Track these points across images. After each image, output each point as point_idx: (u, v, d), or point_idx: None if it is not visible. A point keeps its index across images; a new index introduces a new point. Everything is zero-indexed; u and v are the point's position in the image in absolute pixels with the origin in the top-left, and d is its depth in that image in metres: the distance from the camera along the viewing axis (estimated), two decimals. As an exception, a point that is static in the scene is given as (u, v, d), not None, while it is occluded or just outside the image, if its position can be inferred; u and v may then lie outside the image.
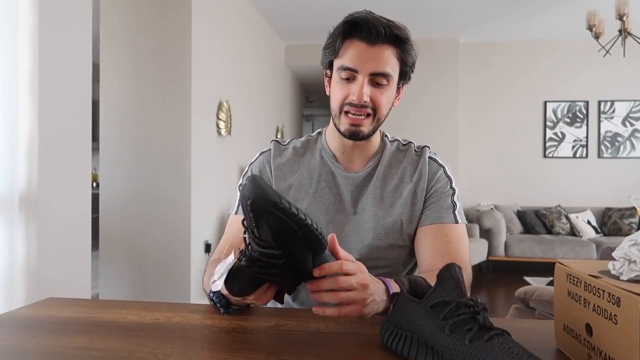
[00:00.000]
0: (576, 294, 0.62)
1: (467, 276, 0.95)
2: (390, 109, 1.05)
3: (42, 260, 1.77)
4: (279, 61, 5.68)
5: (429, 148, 1.11)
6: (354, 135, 1.01)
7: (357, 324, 0.79)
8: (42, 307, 0.89)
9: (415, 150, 1.11)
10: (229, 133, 3.83)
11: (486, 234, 5.02)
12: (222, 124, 3.70)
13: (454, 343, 0.56)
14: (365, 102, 0.96)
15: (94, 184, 5.26)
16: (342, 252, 0.74)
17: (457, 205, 1.05)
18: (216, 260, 1.00)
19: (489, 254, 4.97)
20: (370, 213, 1.04)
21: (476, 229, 5.01)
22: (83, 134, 2.08)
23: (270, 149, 1.13)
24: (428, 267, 0.98)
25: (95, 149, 2.95)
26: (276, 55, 5.51)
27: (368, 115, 0.99)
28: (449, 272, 0.63)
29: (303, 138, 1.17)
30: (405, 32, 0.98)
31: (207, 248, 3.49)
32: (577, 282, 0.61)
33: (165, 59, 3.24)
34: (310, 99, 8.02)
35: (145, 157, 3.26)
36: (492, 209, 5.27)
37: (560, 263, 0.66)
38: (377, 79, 0.97)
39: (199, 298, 3.36)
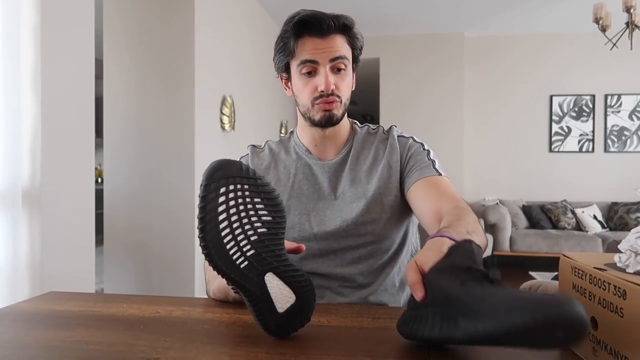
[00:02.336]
0: (581, 287, 0.60)
1: (470, 212, 0.93)
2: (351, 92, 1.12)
3: (46, 256, 1.77)
4: (283, 56, 5.65)
5: (396, 127, 1.18)
6: (329, 120, 1.06)
7: (359, 318, 0.78)
8: (43, 301, 0.89)
9: (383, 132, 1.17)
10: (233, 128, 3.82)
11: (491, 228, 5.00)
12: (225, 119, 3.69)
13: (468, 290, 0.53)
14: (333, 90, 1.03)
15: (98, 180, 5.29)
16: None
17: (436, 162, 1.08)
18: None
19: (494, 249, 4.95)
20: (350, 194, 1.10)
21: (481, 223, 4.98)
22: (86, 130, 2.08)
23: (248, 154, 1.22)
24: (434, 215, 0.97)
25: (99, 144, 2.95)
26: (280, 50, 5.48)
27: (336, 101, 1.05)
28: (461, 245, 0.61)
29: (276, 139, 1.25)
30: (350, 20, 1.06)
31: (211, 243, 3.49)
32: (582, 274, 0.60)
33: (168, 54, 3.24)
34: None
35: (149, 153, 3.26)
36: (497, 203, 5.24)
37: (565, 256, 0.65)
38: (337, 64, 1.03)
39: (202, 292, 3.36)
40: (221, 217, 0.63)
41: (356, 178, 1.11)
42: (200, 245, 0.63)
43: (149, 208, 3.25)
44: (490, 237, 4.91)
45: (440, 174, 1.05)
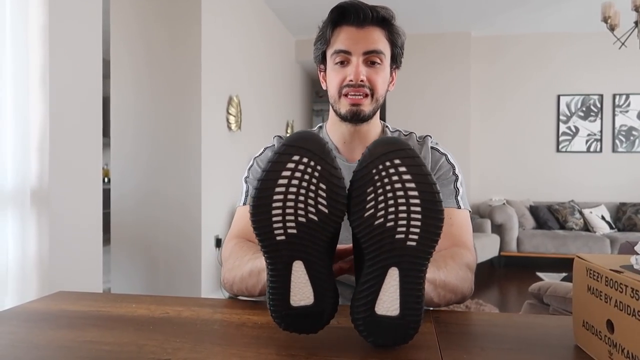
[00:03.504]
0: (597, 290, 0.60)
1: (472, 258, 0.95)
2: (387, 91, 1.05)
3: (54, 255, 1.78)
4: (289, 56, 5.67)
5: (431, 137, 1.11)
6: (356, 116, 1.01)
7: (369, 319, 0.77)
8: (53, 301, 0.89)
9: (417, 139, 1.11)
10: (239, 128, 3.83)
11: (498, 229, 4.98)
12: (232, 119, 3.70)
13: None
14: (362, 80, 0.98)
15: (106, 180, 5.31)
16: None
17: (460, 192, 1.04)
18: (238, 248, 0.97)
19: (500, 249, 4.93)
20: None
21: (488, 224, 4.97)
22: (94, 130, 2.08)
23: (274, 145, 1.14)
24: None
25: (107, 144, 2.97)
26: (286, 50, 5.49)
27: (366, 95, 1.00)
28: None
29: None
30: (391, 13, 1.01)
31: (218, 242, 3.50)
32: (597, 277, 0.59)
33: (175, 54, 3.24)
34: (321, 93, 7.99)
35: (156, 153, 3.27)
36: (504, 204, 5.22)
37: (579, 257, 0.64)
38: (371, 58, 0.99)
39: (209, 292, 3.37)
40: (280, 181, 0.60)
41: None
42: (251, 196, 0.61)
43: (155, 208, 3.26)
44: (496, 238, 4.89)
45: (459, 207, 1.01)
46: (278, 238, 0.61)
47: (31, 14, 1.68)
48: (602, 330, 0.58)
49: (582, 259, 0.63)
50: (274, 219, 0.60)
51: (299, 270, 0.62)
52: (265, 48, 4.62)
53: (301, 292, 0.62)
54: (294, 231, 0.61)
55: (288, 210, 0.60)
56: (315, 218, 0.61)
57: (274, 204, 0.60)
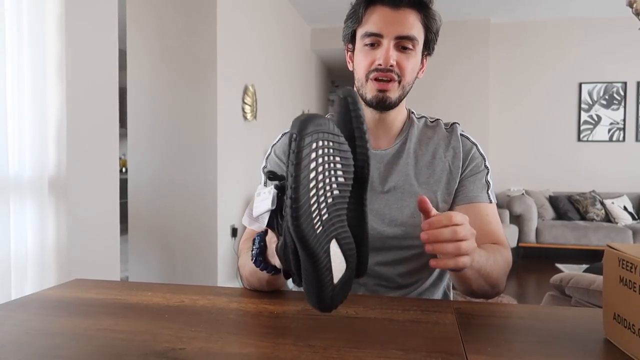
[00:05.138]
0: (630, 281, 0.57)
1: (508, 255, 0.93)
2: (415, 79, 1.01)
3: (72, 244, 1.79)
4: (305, 45, 5.62)
5: (459, 125, 1.07)
6: (381, 102, 0.97)
7: (388, 309, 0.75)
8: (69, 289, 0.89)
9: (445, 128, 1.07)
10: (255, 117, 3.81)
11: (517, 219, 4.90)
12: (247, 108, 3.69)
13: None
14: (391, 65, 0.94)
15: (123, 170, 5.36)
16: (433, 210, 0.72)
17: (490, 185, 1.02)
18: (245, 246, 0.95)
19: (519, 240, 4.86)
20: (402, 191, 1.00)
21: (506, 214, 4.89)
22: (110, 120, 2.09)
23: None
24: None
25: (123, 135, 2.98)
26: (302, 39, 5.45)
27: (393, 80, 0.95)
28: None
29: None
30: None
31: (234, 232, 3.51)
32: (631, 267, 0.56)
33: (191, 44, 3.23)
34: (336, 83, 7.93)
35: (173, 143, 3.27)
36: (523, 194, 5.13)
37: (610, 247, 0.61)
38: (403, 43, 0.94)
39: (226, 281, 3.38)
40: (312, 175, 0.54)
41: (412, 174, 1.01)
42: (290, 207, 0.53)
43: (172, 197, 3.28)
44: (515, 229, 4.82)
45: (490, 201, 0.99)
46: (318, 230, 0.56)
47: (47, 4, 1.68)
48: (636, 323, 0.55)
49: (614, 249, 0.60)
50: (314, 214, 0.56)
51: (334, 248, 0.59)
52: (280, 37, 4.58)
53: (339, 267, 0.60)
54: (326, 215, 0.58)
55: (321, 199, 0.56)
56: (338, 192, 0.59)
57: (311, 201, 0.55)
